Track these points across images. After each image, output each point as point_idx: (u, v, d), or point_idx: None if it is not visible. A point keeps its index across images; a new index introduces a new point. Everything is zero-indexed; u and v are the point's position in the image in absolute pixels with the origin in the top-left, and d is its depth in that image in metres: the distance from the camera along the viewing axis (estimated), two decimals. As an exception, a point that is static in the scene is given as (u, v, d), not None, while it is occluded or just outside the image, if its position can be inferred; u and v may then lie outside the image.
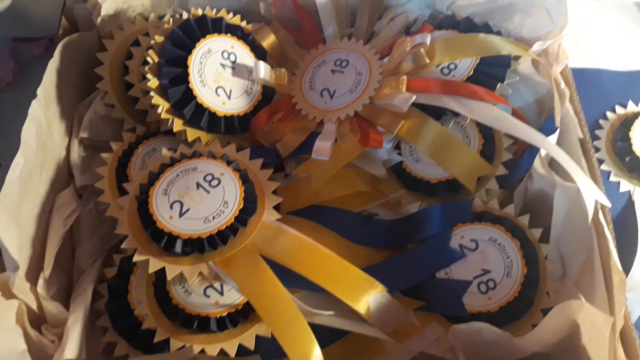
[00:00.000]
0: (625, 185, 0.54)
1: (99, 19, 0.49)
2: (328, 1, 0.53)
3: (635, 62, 0.63)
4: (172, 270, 0.38)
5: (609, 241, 0.39)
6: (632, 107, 0.59)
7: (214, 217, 0.39)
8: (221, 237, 0.39)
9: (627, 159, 0.54)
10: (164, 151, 0.44)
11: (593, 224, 0.40)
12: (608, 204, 0.41)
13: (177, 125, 0.46)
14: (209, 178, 0.41)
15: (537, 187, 0.44)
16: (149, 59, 0.46)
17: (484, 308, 0.40)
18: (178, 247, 0.38)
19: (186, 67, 0.45)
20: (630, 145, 0.54)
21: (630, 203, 0.53)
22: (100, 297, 0.43)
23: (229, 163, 0.42)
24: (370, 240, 0.45)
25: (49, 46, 0.58)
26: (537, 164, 0.44)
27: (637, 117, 0.56)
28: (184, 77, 0.45)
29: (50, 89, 0.45)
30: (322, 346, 0.37)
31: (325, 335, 0.39)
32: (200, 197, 0.40)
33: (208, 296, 0.40)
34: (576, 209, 0.41)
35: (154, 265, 0.38)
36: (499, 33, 0.50)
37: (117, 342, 0.41)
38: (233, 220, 0.39)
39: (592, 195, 0.40)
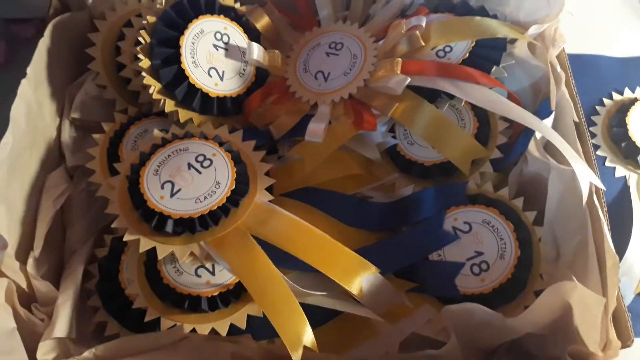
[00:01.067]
0: (621, 171, 0.54)
1: (90, -1, 0.49)
2: (323, -17, 0.52)
3: (631, 49, 0.63)
4: (163, 250, 0.38)
5: (603, 224, 0.39)
6: (628, 94, 0.59)
7: (205, 198, 0.39)
8: (213, 217, 0.39)
9: (623, 144, 0.54)
10: (156, 132, 0.43)
11: (587, 206, 0.40)
12: (602, 187, 0.40)
13: (169, 106, 0.45)
14: (200, 159, 0.41)
15: (532, 170, 0.44)
16: (140, 39, 0.45)
17: (477, 290, 0.40)
18: (169, 227, 0.38)
19: (178, 47, 0.45)
20: (627, 131, 0.54)
21: (625, 188, 0.53)
22: (91, 277, 0.42)
23: (221, 144, 0.42)
24: (363, 222, 0.45)
25: (41, 27, 0.57)
26: (532, 147, 0.44)
27: (633, 104, 0.56)
28: (176, 58, 0.45)
29: (41, 68, 0.44)
30: (314, 326, 0.37)
31: (317, 316, 0.39)
32: (191, 177, 0.40)
33: (199, 276, 0.39)
34: (570, 192, 0.41)
35: (145, 244, 0.38)
36: (495, 16, 0.49)
37: (107, 321, 0.40)
38: (225, 200, 0.39)
39: (586, 178, 0.40)
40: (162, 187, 0.39)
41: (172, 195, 0.39)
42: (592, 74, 0.61)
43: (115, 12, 0.50)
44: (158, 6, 0.47)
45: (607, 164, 0.54)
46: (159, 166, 0.40)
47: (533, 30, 0.47)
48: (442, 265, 0.41)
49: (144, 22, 0.46)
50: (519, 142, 0.45)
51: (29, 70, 0.43)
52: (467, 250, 0.41)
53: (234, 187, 0.39)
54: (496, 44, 0.47)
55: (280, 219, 0.40)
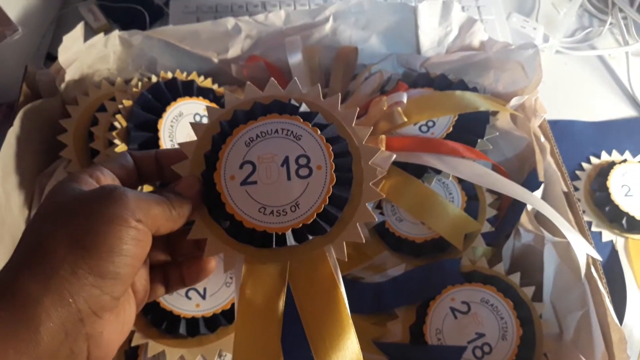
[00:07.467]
0: (607, 236, 0.53)
1: (62, 85, 0.47)
2: (301, 62, 0.52)
3: (603, 113, 0.64)
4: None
5: (605, 297, 0.38)
6: (605, 157, 0.59)
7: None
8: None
9: (606, 208, 0.54)
10: None
11: (586, 279, 0.39)
12: (599, 257, 0.40)
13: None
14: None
15: (525, 243, 0.43)
16: (116, 123, 0.43)
17: (481, 375, 0.38)
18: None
19: (156, 131, 0.43)
20: (609, 194, 0.54)
21: (614, 253, 0.52)
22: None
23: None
24: (355, 306, 0.42)
25: (8, 113, 0.55)
26: (523, 219, 0.43)
27: (612, 167, 0.56)
28: (154, 142, 0.43)
29: (9, 159, 0.42)
30: None
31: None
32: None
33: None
34: (567, 265, 0.40)
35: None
36: (474, 89, 0.49)
37: None
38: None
39: (583, 249, 0.39)
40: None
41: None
42: (568, 139, 0.61)
43: (88, 97, 0.48)
44: (134, 89, 0.45)
45: (593, 228, 0.54)
46: None
47: (514, 102, 0.47)
48: (443, 350, 0.39)
49: (120, 105, 0.44)
50: (510, 215, 0.44)
51: (-4, 161, 0.40)
52: (467, 332, 0.39)
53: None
54: (479, 117, 0.46)
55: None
